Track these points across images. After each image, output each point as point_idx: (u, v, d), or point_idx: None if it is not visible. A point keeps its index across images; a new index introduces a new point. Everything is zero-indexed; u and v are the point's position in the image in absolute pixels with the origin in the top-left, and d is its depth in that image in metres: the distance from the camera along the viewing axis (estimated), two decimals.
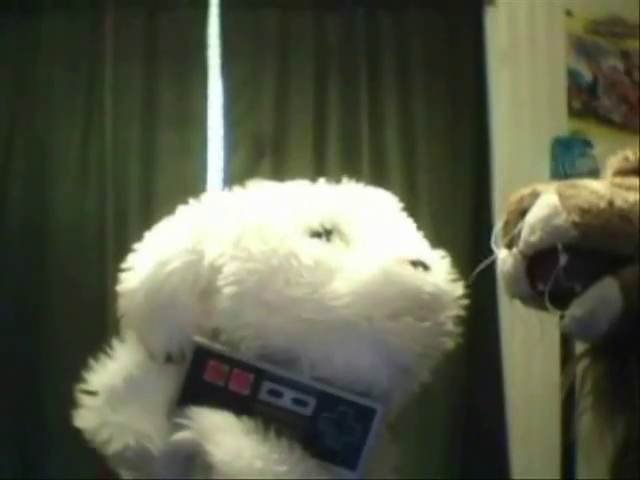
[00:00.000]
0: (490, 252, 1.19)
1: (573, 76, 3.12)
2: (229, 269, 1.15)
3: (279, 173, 2.72)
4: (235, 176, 2.77)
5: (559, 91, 3.10)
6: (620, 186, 1.15)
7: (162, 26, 2.92)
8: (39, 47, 2.86)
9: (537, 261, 1.12)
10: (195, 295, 1.17)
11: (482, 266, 1.24)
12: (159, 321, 1.17)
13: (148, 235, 1.23)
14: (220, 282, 1.15)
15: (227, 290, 1.14)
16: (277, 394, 1.13)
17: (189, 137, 2.91)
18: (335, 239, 1.18)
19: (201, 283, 1.17)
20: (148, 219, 1.27)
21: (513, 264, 1.14)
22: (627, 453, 1.13)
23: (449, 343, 1.18)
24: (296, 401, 1.12)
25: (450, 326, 1.18)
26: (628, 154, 1.23)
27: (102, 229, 2.81)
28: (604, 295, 1.07)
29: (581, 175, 2.97)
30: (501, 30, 3.07)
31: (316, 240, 1.17)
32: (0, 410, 2.75)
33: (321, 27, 2.96)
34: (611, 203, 1.08)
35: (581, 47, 3.14)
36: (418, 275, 1.14)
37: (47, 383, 2.68)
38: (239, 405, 1.12)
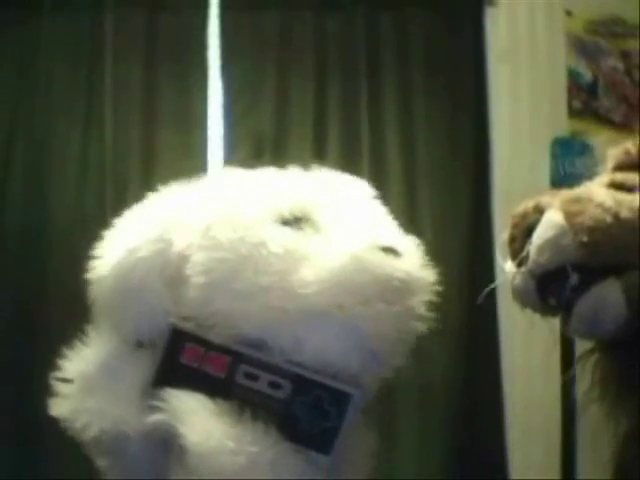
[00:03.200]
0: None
1: (573, 76, 3.12)
2: (197, 258, 1.16)
3: None
4: None
5: (559, 91, 3.11)
6: (622, 185, 1.14)
7: (162, 26, 2.92)
8: (39, 47, 2.86)
9: (547, 278, 1.11)
10: (163, 283, 1.17)
11: (490, 287, 1.24)
12: (128, 308, 1.18)
13: (118, 223, 1.24)
14: (189, 271, 1.16)
15: (196, 279, 1.16)
16: (253, 377, 1.14)
17: (189, 137, 2.91)
18: (305, 227, 1.19)
19: (169, 271, 1.17)
20: None
21: (523, 281, 1.14)
22: (630, 443, 1.14)
23: (420, 328, 1.18)
24: (272, 384, 1.13)
25: (421, 311, 1.18)
26: (629, 147, 1.22)
27: (102, 229, 2.80)
28: (605, 293, 1.07)
29: (581, 175, 2.97)
30: (501, 30, 3.07)
31: (286, 228, 1.17)
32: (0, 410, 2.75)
33: (321, 27, 2.96)
34: (617, 216, 1.07)
35: (581, 47, 3.14)
36: (389, 261, 1.14)
37: (46, 382, 2.67)
38: (216, 387, 1.14)
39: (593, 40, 3.15)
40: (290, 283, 1.13)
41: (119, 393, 1.16)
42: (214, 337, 1.15)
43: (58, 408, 1.19)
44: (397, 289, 1.13)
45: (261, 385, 1.13)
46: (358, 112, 2.96)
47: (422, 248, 1.21)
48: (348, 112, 2.96)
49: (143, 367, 1.17)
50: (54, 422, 1.24)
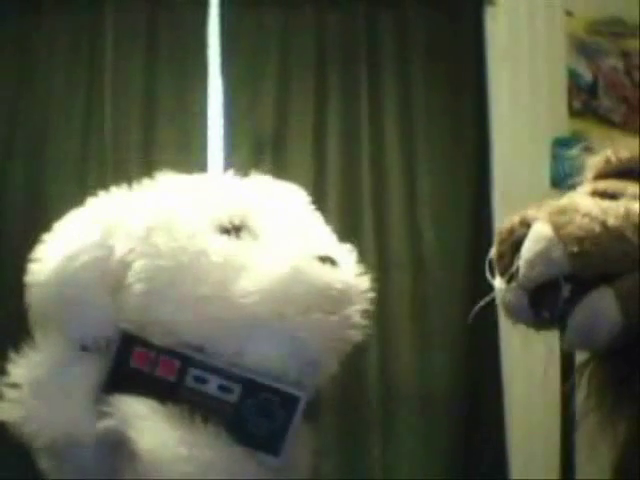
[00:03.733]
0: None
1: (573, 76, 3.12)
2: (138, 266, 1.15)
3: (279, 172, 2.71)
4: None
5: (559, 91, 3.11)
6: (605, 193, 1.14)
7: (162, 25, 2.92)
8: (40, 45, 2.86)
9: (539, 292, 1.11)
10: (105, 289, 1.17)
11: (484, 301, 1.24)
12: (70, 315, 1.18)
13: (57, 226, 1.24)
14: (130, 279, 1.16)
15: (137, 287, 1.15)
16: (203, 381, 1.14)
17: (189, 136, 2.90)
18: (244, 235, 1.19)
19: (110, 277, 1.17)
20: None
21: (515, 297, 1.13)
22: (628, 453, 1.14)
23: (357, 335, 1.19)
24: (222, 388, 1.14)
25: (358, 319, 1.19)
26: (609, 156, 1.21)
27: None
28: (599, 302, 1.07)
29: (581, 175, 2.97)
30: (501, 30, 3.08)
31: (225, 237, 1.18)
32: None
33: (321, 26, 2.96)
34: (605, 225, 1.07)
35: (581, 47, 3.14)
36: (326, 271, 1.15)
37: None
38: (166, 391, 1.14)
39: (593, 40, 3.15)
40: (230, 293, 1.13)
41: (71, 398, 1.15)
42: (157, 342, 1.15)
43: (5, 414, 1.18)
44: (335, 299, 1.15)
45: (211, 389, 1.13)
46: (358, 111, 2.96)
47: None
48: (348, 111, 2.95)
49: (93, 372, 1.16)
50: None
